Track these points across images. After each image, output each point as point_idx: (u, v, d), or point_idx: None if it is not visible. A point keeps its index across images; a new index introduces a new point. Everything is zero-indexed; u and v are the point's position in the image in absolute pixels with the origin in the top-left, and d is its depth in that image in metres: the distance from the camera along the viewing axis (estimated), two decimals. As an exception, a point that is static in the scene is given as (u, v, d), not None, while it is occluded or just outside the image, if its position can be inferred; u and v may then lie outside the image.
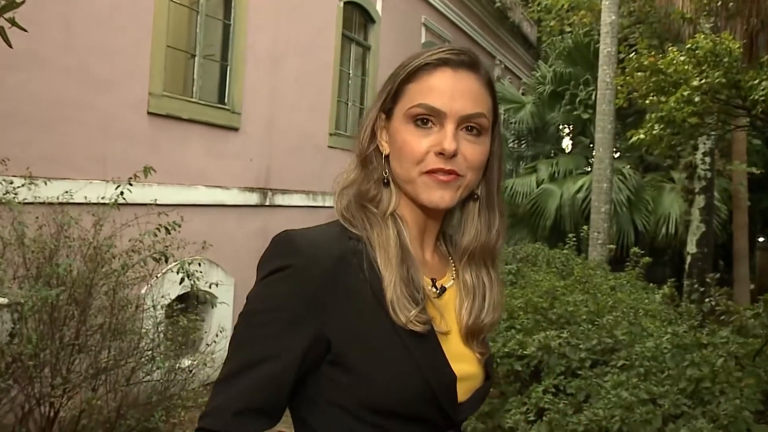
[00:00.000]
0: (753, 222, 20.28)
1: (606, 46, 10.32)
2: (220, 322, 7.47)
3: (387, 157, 1.48)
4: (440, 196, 1.41)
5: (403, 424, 1.37)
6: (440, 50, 1.45)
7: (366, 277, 1.36)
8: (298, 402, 1.42)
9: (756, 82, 9.06)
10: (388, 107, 1.47)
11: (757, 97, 9.03)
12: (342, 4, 10.19)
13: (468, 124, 1.42)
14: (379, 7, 11.20)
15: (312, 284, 1.34)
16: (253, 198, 8.57)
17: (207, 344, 6.16)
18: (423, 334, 1.37)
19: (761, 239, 23.75)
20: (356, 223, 1.43)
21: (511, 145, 15.67)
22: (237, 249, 8.16)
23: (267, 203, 8.79)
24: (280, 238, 1.41)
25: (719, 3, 8.18)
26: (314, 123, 9.75)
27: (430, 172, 1.40)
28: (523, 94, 16.36)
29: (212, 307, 7.54)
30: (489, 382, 1.56)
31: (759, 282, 20.41)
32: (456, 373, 1.42)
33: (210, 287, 5.92)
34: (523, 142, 15.82)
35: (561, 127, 15.38)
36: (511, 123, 15.18)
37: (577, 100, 13.91)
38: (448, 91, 1.41)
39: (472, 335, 1.51)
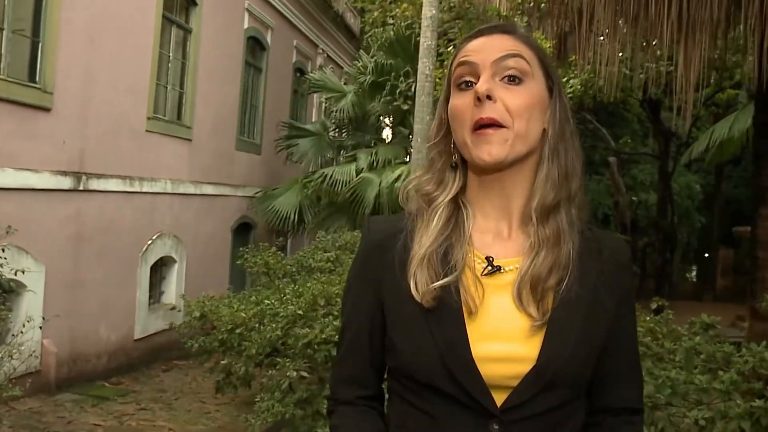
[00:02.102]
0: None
1: (426, 40, 10.54)
2: (28, 311, 7.14)
3: None
4: (487, 152, 1.39)
5: (442, 400, 1.39)
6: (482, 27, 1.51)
7: (404, 251, 1.45)
8: None
9: (564, 80, 9.64)
10: (447, 94, 1.50)
11: (564, 95, 9.61)
12: (163, -15, 9.91)
13: (507, 74, 1.42)
14: (201, -11, 10.97)
15: (368, 259, 1.52)
16: (66, 182, 8.20)
17: (13, 335, 5.85)
18: (442, 310, 1.39)
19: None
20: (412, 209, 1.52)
21: (331, 134, 15.72)
22: (48, 235, 7.81)
23: (81, 188, 8.43)
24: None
25: (531, 4, 8.58)
26: (132, 106, 9.43)
27: (474, 128, 1.40)
28: (345, 83, 16.42)
29: (18, 296, 7.19)
30: (539, 369, 1.36)
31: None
32: (483, 353, 1.36)
33: (16, 274, 5.60)
34: (343, 131, 15.87)
35: (381, 117, 15.52)
36: (332, 112, 15.20)
37: (398, 91, 14.09)
38: (480, 47, 1.45)
39: (532, 292, 1.39)
